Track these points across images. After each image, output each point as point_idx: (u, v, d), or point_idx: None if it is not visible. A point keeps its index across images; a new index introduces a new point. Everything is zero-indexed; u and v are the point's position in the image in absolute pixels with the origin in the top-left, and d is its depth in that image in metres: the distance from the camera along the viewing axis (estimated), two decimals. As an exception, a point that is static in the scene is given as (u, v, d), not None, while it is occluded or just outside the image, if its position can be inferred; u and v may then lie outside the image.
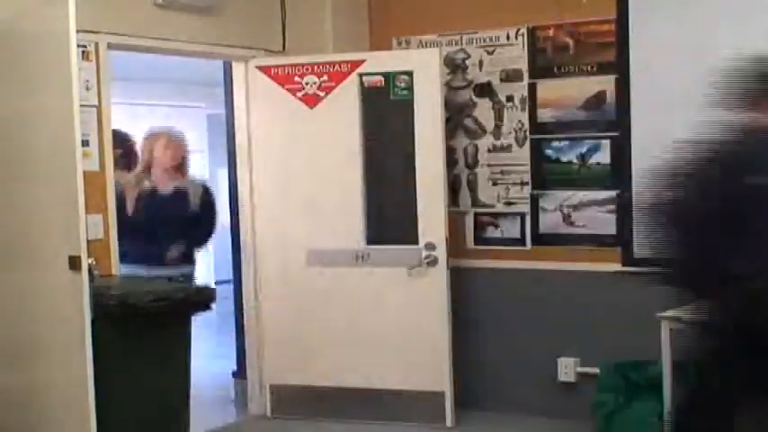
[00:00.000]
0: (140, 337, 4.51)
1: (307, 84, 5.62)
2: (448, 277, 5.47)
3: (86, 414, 4.07)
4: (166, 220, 5.39)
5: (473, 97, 5.75)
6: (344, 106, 5.57)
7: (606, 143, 5.37)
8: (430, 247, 5.46)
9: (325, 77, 5.60)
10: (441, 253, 5.44)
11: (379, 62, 5.60)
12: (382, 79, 5.55)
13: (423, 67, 5.47)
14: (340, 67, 5.58)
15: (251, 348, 5.90)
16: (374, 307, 5.58)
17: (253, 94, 5.76)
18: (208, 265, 10.50)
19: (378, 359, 5.57)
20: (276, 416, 5.76)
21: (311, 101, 5.63)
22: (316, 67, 5.61)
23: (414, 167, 5.48)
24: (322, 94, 5.61)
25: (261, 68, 5.70)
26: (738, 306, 3.22)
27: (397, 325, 5.53)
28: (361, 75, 5.56)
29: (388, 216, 5.70)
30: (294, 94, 5.65)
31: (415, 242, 5.48)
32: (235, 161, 6.02)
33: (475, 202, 5.78)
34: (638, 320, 5.06)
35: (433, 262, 5.45)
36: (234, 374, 6.56)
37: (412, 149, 5.48)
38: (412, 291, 5.50)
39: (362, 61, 5.57)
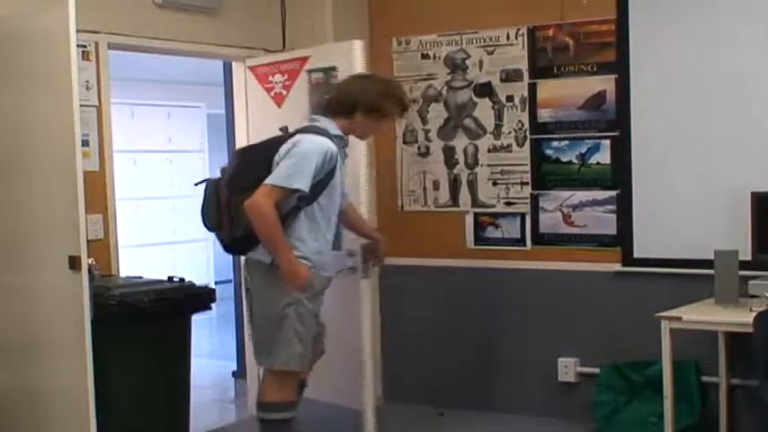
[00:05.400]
0: (140, 338, 4.52)
1: (276, 83, 5.59)
2: (369, 287, 5.05)
3: (86, 414, 4.07)
4: None
5: (473, 97, 5.75)
6: (299, 104, 5.41)
7: (606, 143, 5.37)
8: (351, 254, 4.91)
9: (286, 76, 5.52)
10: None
11: (321, 57, 5.34)
12: (322, 76, 5.35)
13: (344, 62, 5.07)
14: (293, 64, 5.49)
15: (251, 348, 5.89)
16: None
17: (248, 93, 5.77)
18: (208, 265, 10.52)
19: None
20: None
21: (279, 99, 5.58)
22: (280, 65, 5.55)
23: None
24: (285, 92, 5.55)
25: (251, 68, 5.71)
26: None
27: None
28: (309, 72, 5.41)
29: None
30: (269, 93, 5.63)
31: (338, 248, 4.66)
32: (235, 161, 6.02)
33: (475, 202, 5.78)
34: (638, 320, 5.07)
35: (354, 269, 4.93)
36: (234, 374, 6.57)
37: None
38: (336, 299, 4.71)
39: (308, 57, 5.42)
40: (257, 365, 4.38)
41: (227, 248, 4.45)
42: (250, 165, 4.24)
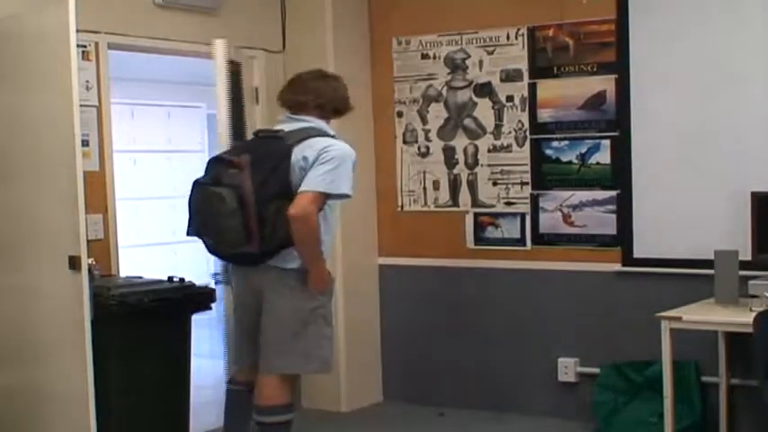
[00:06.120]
0: (140, 338, 4.52)
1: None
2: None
3: (86, 414, 4.07)
4: None
5: (473, 97, 5.75)
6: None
7: (606, 143, 5.37)
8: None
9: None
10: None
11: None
12: None
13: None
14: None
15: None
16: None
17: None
18: (208, 265, 10.51)
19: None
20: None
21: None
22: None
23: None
24: None
25: None
26: None
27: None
28: None
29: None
30: None
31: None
32: (235, 161, 6.02)
33: (475, 202, 5.78)
34: (638, 320, 5.07)
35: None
36: (234, 374, 6.55)
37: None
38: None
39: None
40: (268, 372, 4.19)
41: (239, 261, 4.25)
42: (265, 173, 4.06)
